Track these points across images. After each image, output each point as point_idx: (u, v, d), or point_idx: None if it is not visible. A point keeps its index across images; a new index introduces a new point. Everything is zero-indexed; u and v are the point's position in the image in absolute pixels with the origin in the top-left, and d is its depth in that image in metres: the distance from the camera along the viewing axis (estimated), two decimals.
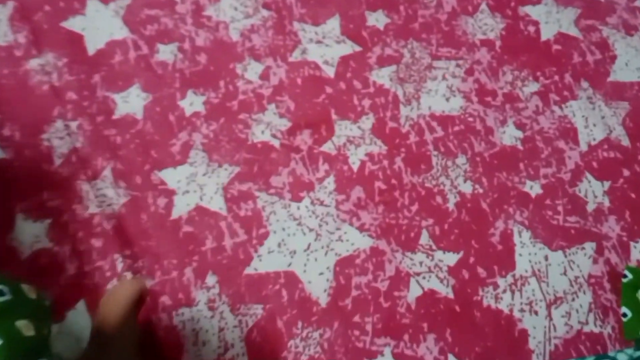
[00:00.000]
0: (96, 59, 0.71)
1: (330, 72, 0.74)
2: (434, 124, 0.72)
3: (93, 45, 0.71)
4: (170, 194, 0.65)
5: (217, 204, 0.65)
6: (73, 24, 0.72)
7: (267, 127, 0.70)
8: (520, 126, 0.74)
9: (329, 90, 0.73)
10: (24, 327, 0.36)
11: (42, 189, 0.64)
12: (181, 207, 0.65)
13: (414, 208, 0.67)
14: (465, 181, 0.70)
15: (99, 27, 0.73)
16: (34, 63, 0.70)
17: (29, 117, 0.67)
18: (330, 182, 0.68)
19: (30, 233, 0.61)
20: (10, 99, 0.68)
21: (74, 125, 0.67)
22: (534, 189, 0.71)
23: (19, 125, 0.66)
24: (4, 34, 0.71)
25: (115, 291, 0.54)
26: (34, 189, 0.63)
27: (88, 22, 0.73)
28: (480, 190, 0.69)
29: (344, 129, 0.71)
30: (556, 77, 0.77)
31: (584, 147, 0.73)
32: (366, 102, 0.73)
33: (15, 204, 0.63)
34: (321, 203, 0.66)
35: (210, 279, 0.61)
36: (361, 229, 0.66)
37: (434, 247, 0.66)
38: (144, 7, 0.74)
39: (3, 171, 0.64)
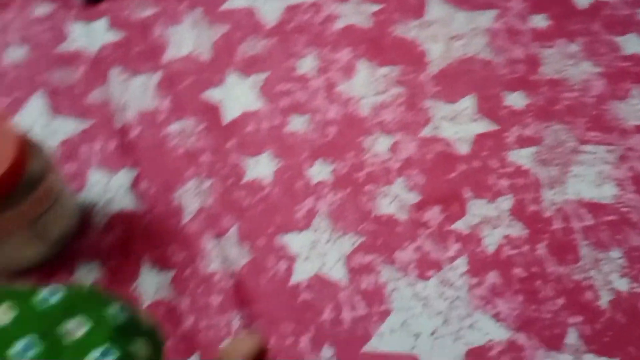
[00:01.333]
0: (230, 128, 0.83)
1: (463, 149, 0.79)
2: (583, 211, 0.74)
3: (230, 114, 0.85)
4: (291, 259, 0.71)
5: (338, 274, 0.70)
6: (212, 95, 0.87)
7: (394, 200, 0.75)
8: None
9: (462, 167, 0.78)
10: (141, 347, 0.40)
11: (169, 242, 0.73)
12: (301, 274, 0.70)
13: (560, 302, 0.67)
14: (621, 277, 0.69)
15: (236, 98, 0.86)
16: (173, 127, 0.84)
17: (165, 175, 0.79)
18: (462, 264, 0.70)
19: (153, 283, 0.69)
20: (149, 158, 0.80)
21: (206, 184, 0.78)
22: None
23: (155, 182, 0.78)
24: (151, 100, 0.87)
25: (237, 344, 0.59)
26: (161, 242, 0.73)
27: (226, 93, 0.87)
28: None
29: (478, 208, 0.74)
30: None
31: None
32: (504, 182, 0.76)
33: (143, 253, 0.72)
34: (451, 285, 0.68)
35: (326, 352, 0.64)
36: (497, 318, 0.66)
37: (583, 348, 0.64)
38: (280, 80, 0.87)
39: (136, 221, 0.75)
